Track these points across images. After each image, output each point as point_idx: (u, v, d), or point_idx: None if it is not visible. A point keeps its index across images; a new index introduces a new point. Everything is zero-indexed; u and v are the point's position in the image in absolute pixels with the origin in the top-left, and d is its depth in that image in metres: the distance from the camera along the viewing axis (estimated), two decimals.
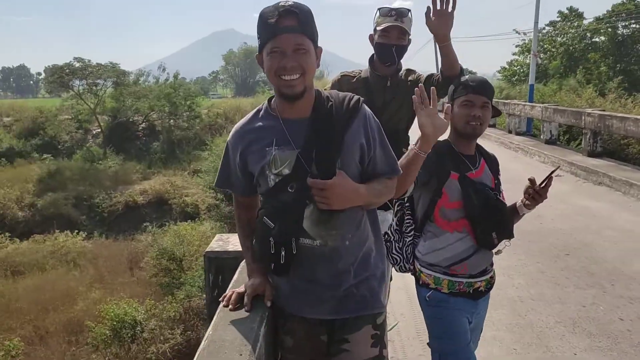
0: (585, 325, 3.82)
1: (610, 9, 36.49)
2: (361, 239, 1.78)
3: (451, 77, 2.61)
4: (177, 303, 10.86)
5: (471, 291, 2.19)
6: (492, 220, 2.12)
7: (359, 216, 1.77)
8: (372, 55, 2.92)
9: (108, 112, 28.94)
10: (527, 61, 28.11)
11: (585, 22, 36.82)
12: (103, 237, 17.92)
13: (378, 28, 2.76)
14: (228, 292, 1.83)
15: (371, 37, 2.84)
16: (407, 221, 2.28)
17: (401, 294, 4.20)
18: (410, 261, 2.29)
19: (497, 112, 2.34)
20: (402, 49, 2.79)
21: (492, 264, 2.28)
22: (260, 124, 1.75)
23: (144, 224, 17.74)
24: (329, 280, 1.73)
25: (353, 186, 1.66)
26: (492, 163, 2.31)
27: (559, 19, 37.61)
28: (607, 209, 7.18)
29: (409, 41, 2.82)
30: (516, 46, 37.28)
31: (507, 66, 38.27)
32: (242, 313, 1.70)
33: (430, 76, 2.85)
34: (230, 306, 1.74)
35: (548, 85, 25.51)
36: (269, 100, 1.79)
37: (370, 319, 1.79)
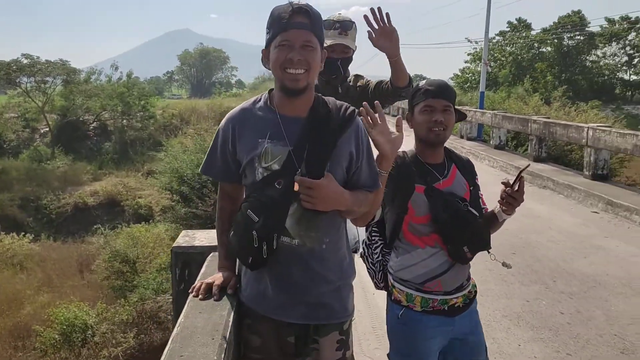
0: (529, 319, 4.06)
1: (556, 21, 38.19)
2: (337, 244, 1.80)
3: (401, 88, 2.66)
4: (130, 306, 10.65)
5: (446, 308, 2.08)
6: (462, 234, 2.00)
7: (338, 221, 1.80)
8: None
9: (57, 111, 28.04)
10: (479, 69, 29.06)
11: (533, 32, 38.46)
12: (51, 239, 17.33)
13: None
14: (197, 283, 1.86)
15: None
16: (374, 237, 2.19)
17: (357, 290, 4.33)
18: (381, 278, 2.20)
19: (462, 116, 2.22)
20: (347, 61, 2.84)
21: (469, 278, 2.16)
22: (257, 114, 1.76)
23: (95, 226, 17.28)
24: (303, 282, 1.73)
25: (339, 189, 1.69)
26: (466, 168, 2.17)
27: (509, 29, 39.08)
28: (551, 211, 7.58)
29: (354, 51, 2.85)
30: (468, 54, 38.53)
31: (459, 73, 39.41)
32: (212, 303, 1.74)
33: (379, 83, 2.85)
34: (200, 296, 1.77)
35: (498, 93, 26.50)
36: (269, 93, 1.80)
37: (338, 326, 1.82)
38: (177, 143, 19.22)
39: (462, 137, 16.10)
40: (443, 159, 2.12)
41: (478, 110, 16.07)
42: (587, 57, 38.34)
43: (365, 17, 2.36)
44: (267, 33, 1.71)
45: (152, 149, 24.97)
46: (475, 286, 2.22)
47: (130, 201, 19.80)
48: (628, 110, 30.10)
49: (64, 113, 27.74)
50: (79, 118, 28.03)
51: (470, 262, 2.12)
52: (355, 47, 2.84)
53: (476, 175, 2.20)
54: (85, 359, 9.63)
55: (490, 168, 11.61)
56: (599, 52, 38.76)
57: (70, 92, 27.96)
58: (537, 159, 11.11)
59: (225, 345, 1.52)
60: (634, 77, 38.80)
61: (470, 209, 2.04)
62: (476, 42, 35.72)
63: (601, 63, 38.36)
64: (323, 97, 1.82)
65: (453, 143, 15.13)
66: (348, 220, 1.93)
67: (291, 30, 1.64)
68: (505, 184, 2.03)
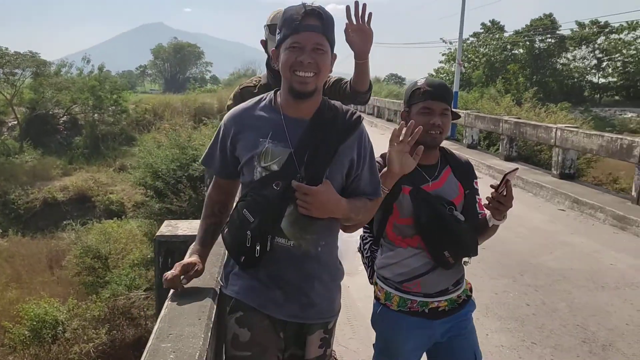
0: (497, 310, 4.21)
1: (528, 23, 38.94)
2: (332, 247, 1.82)
3: (360, 92, 2.62)
4: (102, 302, 10.53)
5: (426, 310, 2.04)
6: (443, 238, 1.96)
7: (335, 225, 1.80)
8: (268, 57, 2.72)
9: (26, 104, 27.37)
10: (453, 69, 29.48)
11: (505, 34, 39.15)
12: (19, 235, 16.96)
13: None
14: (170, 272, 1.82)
15: (264, 44, 2.74)
16: (365, 233, 2.22)
17: None
18: (370, 274, 2.21)
19: (456, 116, 2.16)
20: None
21: (458, 283, 2.09)
22: (261, 113, 1.75)
23: (65, 222, 16.97)
24: (297, 282, 1.74)
25: (336, 197, 1.69)
26: (462, 170, 2.11)
27: (482, 30, 39.70)
28: (520, 208, 7.78)
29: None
30: (443, 54, 39.03)
31: (434, 73, 39.91)
32: (196, 289, 1.79)
33: (338, 81, 2.77)
34: (169, 275, 1.74)
35: (471, 93, 26.93)
36: (275, 93, 1.80)
37: (323, 325, 1.84)
38: (151, 138, 18.97)
39: None
40: (437, 161, 2.07)
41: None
42: (558, 60, 39.25)
43: (347, 8, 2.27)
44: (278, 33, 1.71)
45: (124, 144, 24.63)
46: (469, 291, 2.15)
47: (101, 197, 19.49)
48: (596, 112, 30.94)
49: (33, 106, 27.10)
50: (48, 111, 27.42)
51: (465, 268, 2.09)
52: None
53: (475, 178, 2.14)
54: (55, 355, 9.49)
55: None
56: (569, 55, 39.73)
57: (39, 85, 27.32)
58: (508, 158, 11.39)
59: (211, 325, 1.60)
60: (602, 80, 39.89)
61: (455, 213, 1.99)
62: (450, 43, 36.26)
63: (571, 66, 39.32)
64: (330, 100, 1.81)
65: None
66: None
67: (303, 32, 1.64)
68: (494, 187, 1.93)
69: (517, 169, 2.00)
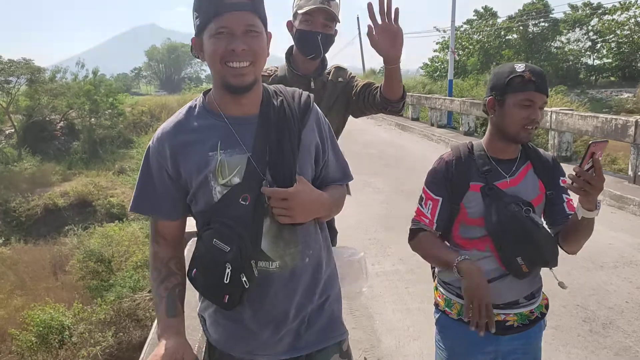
0: None
1: (521, 8, 38.82)
2: (315, 253, 1.52)
3: (392, 101, 2.27)
4: (107, 305, 10.60)
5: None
6: (517, 242, 1.70)
7: (312, 226, 1.52)
8: (290, 48, 2.42)
9: (22, 111, 27.34)
10: (447, 57, 29.44)
11: (499, 20, 39.05)
12: (22, 242, 17.01)
13: (299, 12, 2.24)
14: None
15: (290, 25, 2.33)
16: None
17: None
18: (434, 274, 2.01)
19: None
20: (328, 39, 2.27)
21: (532, 297, 1.83)
22: (197, 123, 1.42)
23: (67, 227, 17.02)
24: (289, 308, 1.45)
25: (316, 194, 1.44)
26: (545, 168, 1.84)
27: (475, 17, 39.62)
28: None
29: (337, 31, 2.32)
30: (437, 43, 38.95)
31: (429, 62, 39.84)
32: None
33: (367, 86, 2.41)
34: None
35: (466, 81, 26.89)
36: (205, 94, 1.49)
37: (336, 348, 1.55)
38: (149, 140, 18.99)
39: (432, 124, 16.35)
40: (516, 155, 1.83)
41: (447, 98, 16.33)
42: (552, 44, 39.14)
43: (369, 5, 1.90)
44: (195, 17, 1.38)
45: (122, 147, 24.64)
46: (544, 308, 1.90)
47: (102, 200, 19.52)
48: (592, 94, 30.89)
49: (30, 113, 27.07)
50: (45, 118, 27.39)
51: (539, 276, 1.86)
52: (339, 26, 2.31)
53: (562, 175, 1.85)
54: None
55: None
56: (563, 38, 39.61)
57: (35, 92, 27.25)
58: None
59: None
60: (597, 62, 39.82)
61: (533, 215, 1.72)
62: (444, 31, 36.16)
63: (566, 49, 39.20)
64: (269, 86, 1.52)
65: (424, 131, 15.38)
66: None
67: (229, 13, 1.32)
68: (575, 170, 1.55)
69: (607, 141, 1.61)
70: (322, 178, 1.54)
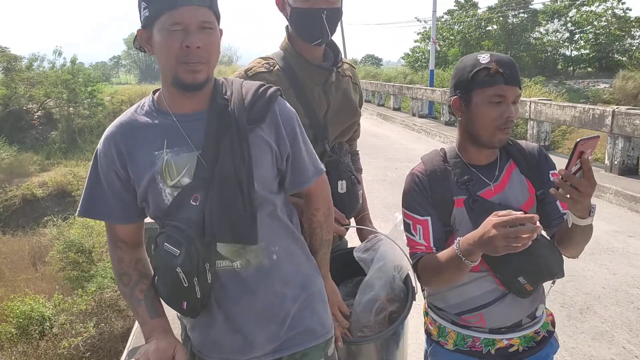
0: None
1: None
2: (290, 249, 1.44)
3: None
4: (89, 296, 10.53)
5: (492, 352, 1.56)
6: (516, 260, 1.41)
7: (279, 221, 1.42)
8: (289, 27, 1.84)
9: None
10: (428, 48, 29.56)
11: (479, 11, 39.30)
12: None
13: None
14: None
15: (280, 2, 1.81)
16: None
17: None
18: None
19: None
20: (335, 14, 1.75)
21: (535, 315, 1.59)
22: (143, 121, 1.35)
23: (45, 218, 16.80)
24: (261, 311, 1.38)
25: (332, 293, 1.58)
26: (530, 163, 1.58)
27: (456, 8, 39.78)
28: None
29: (342, 4, 1.80)
30: (418, 34, 39.10)
31: (410, 53, 39.95)
32: None
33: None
34: None
35: (447, 71, 27.08)
36: (154, 93, 1.42)
37: (319, 350, 1.46)
38: None
39: (414, 114, 16.46)
40: (495, 157, 1.57)
41: (428, 88, 16.44)
42: (531, 35, 39.53)
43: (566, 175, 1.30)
44: (143, 8, 1.28)
45: (101, 136, 24.28)
46: (551, 325, 1.66)
47: (81, 191, 18.93)
48: (570, 85, 31.34)
49: (6, 102, 26.52)
50: (22, 107, 26.87)
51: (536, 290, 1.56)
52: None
53: (552, 169, 1.59)
54: (44, 351, 9.49)
55: (441, 144, 11.98)
56: (542, 29, 40.04)
57: (11, 81, 26.72)
58: None
59: None
60: (575, 53, 40.35)
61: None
62: (425, 22, 36.24)
63: (544, 40, 39.65)
64: (224, 78, 1.44)
65: (405, 121, 15.47)
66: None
67: (183, 7, 1.24)
68: (562, 173, 1.31)
69: (598, 137, 1.32)
70: (294, 175, 1.43)
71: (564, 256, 1.52)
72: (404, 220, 1.62)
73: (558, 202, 1.54)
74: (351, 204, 1.89)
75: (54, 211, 17.99)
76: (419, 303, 1.76)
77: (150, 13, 1.27)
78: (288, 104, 1.45)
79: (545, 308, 1.65)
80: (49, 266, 12.88)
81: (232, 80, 1.44)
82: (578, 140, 1.27)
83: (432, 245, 1.54)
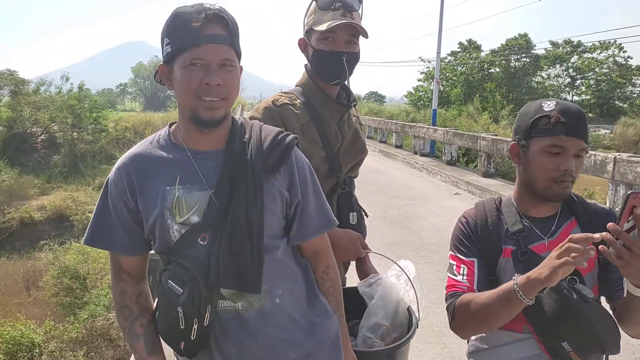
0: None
1: (504, 43, 39.85)
2: (294, 292, 1.41)
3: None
4: (80, 323, 10.36)
5: None
6: (560, 323, 1.32)
7: (284, 263, 1.41)
8: (309, 66, 1.97)
9: (3, 122, 26.99)
10: (431, 87, 29.96)
11: (482, 54, 39.99)
12: None
13: (317, 28, 1.84)
14: None
15: (303, 43, 1.94)
16: None
17: None
18: None
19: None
20: (354, 58, 1.88)
21: None
22: (158, 154, 1.34)
23: (42, 242, 16.69)
24: (261, 355, 1.35)
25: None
26: (595, 222, 1.45)
27: (459, 49, 40.49)
28: None
29: (359, 49, 1.93)
30: (421, 73, 39.66)
31: (413, 91, 40.43)
32: None
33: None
34: None
35: (449, 111, 27.39)
36: (170, 126, 1.42)
37: None
38: None
39: (415, 152, 16.53)
40: (556, 211, 1.49)
41: (431, 127, 16.56)
42: (533, 78, 40.15)
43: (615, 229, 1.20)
44: (166, 44, 1.30)
45: (104, 162, 24.41)
46: None
47: (79, 216, 19.23)
48: None
49: (11, 125, 26.72)
50: (26, 130, 27.06)
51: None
52: (366, 37, 1.89)
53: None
54: None
55: (442, 183, 12.00)
56: (543, 74, 40.69)
57: (17, 104, 26.98)
58: (486, 174, 11.58)
59: None
60: (576, 98, 40.86)
61: (580, 286, 1.33)
62: (429, 62, 36.85)
63: (546, 84, 40.23)
64: (242, 118, 1.45)
65: (407, 158, 15.53)
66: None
67: (206, 45, 1.25)
68: (612, 229, 1.18)
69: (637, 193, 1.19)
70: (301, 225, 1.42)
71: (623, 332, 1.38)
72: (449, 262, 1.54)
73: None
74: (361, 234, 1.99)
75: (51, 235, 17.89)
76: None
77: (172, 49, 1.28)
78: (302, 154, 1.45)
79: None
80: (42, 291, 12.73)
81: (251, 123, 1.44)
82: (629, 192, 1.17)
83: (475, 287, 1.45)
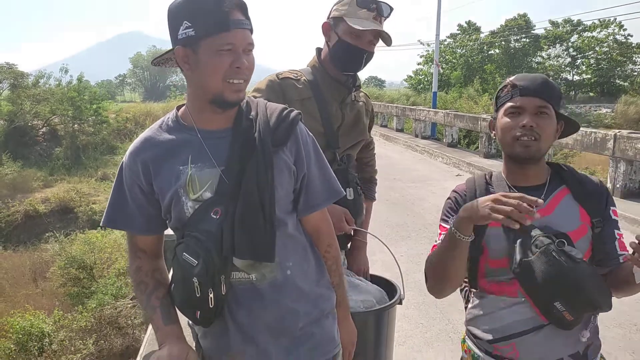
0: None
1: (503, 24, 39.56)
2: (303, 267, 1.48)
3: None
4: (89, 312, 10.48)
5: None
6: (551, 283, 1.35)
7: (294, 238, 1.48)
8: (319, 50, 2.15)
9: (4, 116, 26.99)
10: (431, 70, 29.82)
11: (481, 35, 39.73)
12: (0, 248, 16.76)
13: (349, 21, 1.95)
14: None
15: (327, 28, 2.06)
16: (463, 283, 1.64)
17: None
18: None
19: (573, 128, 1.57)
20: (370, 57, 2.07)
21: (582, 356, 1.46)
22: (168, 137, 1.40)
23: (47, 234, 16.81)
24: (273, 324, 1.42)
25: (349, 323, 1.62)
26: (588, 191, 1.50)
27: (459, 31, 40.22)
28: None
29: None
30: (421, 56, 39.44)
31: (412, 75, 40.24)
32: None
33: (370, 145, 2.38)
34: None
35: (450, 93, 27.29)
36: (178, 109, 1.47)
37: None
38: None
39: (416, 135, 16.55)
40: (545, 180, 1.53)
41: (431, 109, 16.56)
42: (533, 59, 39.94)
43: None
44: (186, 27, 1.30)
45: (105, 153, 24.47)
46: None
47: (84, 207, 19.33)
48: (572, 109, 31.52)
49: (12, 118, 26.71)
50: (27, 123, 27.05)
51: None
52: (389, 45, 2.07)
53: (612, 205, 1.52)
54: None
55: (444, 165, 12.04)
56: (543, 54, 40.46)
57: (17, 97, 26.94)
58: (487, 155, 11.62)
59: None
60: (577, 78, 40.68)
61: (567, 248, 1.36)
62: (428, 45, 36.63)
63: (546, 64, 40.02)
64: (248, 97, 1.50)
65: (408, 142, 15.55)
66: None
67: (236, 30, 1.30)
68: None
69: None
70: (307, 197, 1.48)
71: None
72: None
73: (617, 244, 1.48)
74: (356, 211, 2.10)
75: (56, 227, 18.02)
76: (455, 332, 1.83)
77: (196, 33, 1.29)
78: (306, 128, 1.52)
79: (602, 356, 1.52)
80: (49, 282, 12.86)
81: (256, 101, 1.50)
82: None
83: None
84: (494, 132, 1.60)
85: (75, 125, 27.55)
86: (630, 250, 1.30)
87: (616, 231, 1.49)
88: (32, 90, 27.81)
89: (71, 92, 27.73)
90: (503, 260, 1.45)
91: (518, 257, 1.38)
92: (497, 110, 1.56)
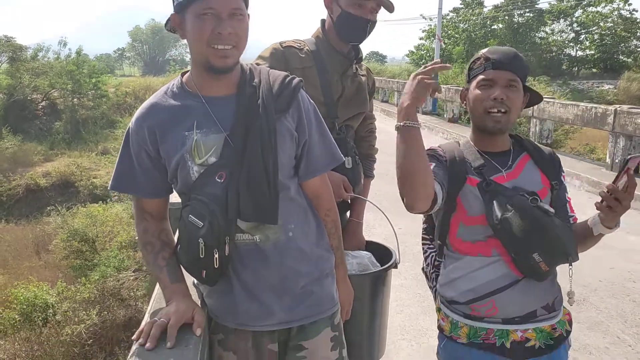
0: None
1: None
2: (304, 229, 1.54)
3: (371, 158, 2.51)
4: (92, 284, 10.62)
5: (507, 345, 1.53)
6: (530, 236, 1.45)
7: (296, 202, 1.53)
8: (323, 21, 2.19)
9: (3, 90, 26.86)
10: (433, 46, 29.56)
11: (485, 10, 39.20)
12: (3, 222, 16.89)
13: None
14: (143, 324, 1.39)
15: (329, 0, 2.10)
16: (424, 245, 1.78)
17: None
18: (435, 297, 1.74)
19: (537, 98, 1.67)
20: (373, 26, 2.10)
21: (551, 308, 1.58)
22: (174, 103, 1.43)
23: (49, 208, 16.91)
24: (276, 282, 1.48)
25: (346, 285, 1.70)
26: (545, 160, 1.66)
27: (462, 6, 39.67)
28: None
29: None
30: (423, 31, 39.01)
31: (414, 50, 39.85)
32: (165, 351, 1.27)
33: (369, 119, 2.41)
34: (148, 344, 1.27)
35: (451, 69, 27.05)
36: (182, 75, 1.50)
37: (327, 321, 1.57)
38: None
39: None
40: (509, 147, 1.65)
41: None
42: (537, 34, 39.46)
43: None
44: None
45: (105, 127, 24.42)
46: (568, 324, 1.64)
47: (84, 181, 19.40)
48: (574, 85, 31.32)
49: (11, 92, 26.58)
50: (26, 97, 26.93)
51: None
52: (391, 12, 2.10)
53: (562, 171, 1.70)
54: (47, 338, 9.59)
55: (444, 140, 11.97)
56: (547, 29, 39.96)
57: (16, 70, 26.75)
58: None
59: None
60: (580, 53, 40.28)
61: (542, 204, 1.50)
62: (430, 19, 36.22)
63: (550, 39, 39.57)
64: (250, 64, 1.54)
65: None
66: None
67: None
68: (609, 187, 1.42)
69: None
70: (308, 162, 1.53)
71: None
72: None
73: (567, 206, 1.66)
74: (354, 179, 2.19)
75: (57, 201, 18.10)
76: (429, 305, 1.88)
77: None
78: (307, 95, 1.56)
79: (563, 307, 1.64)
80: (52, 255, 12.99)
81: (259, 68, 1.53)
82: (629, 156, 1.39)
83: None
84: (464, 102, 1.67)
85: (75, 99, 27.43)
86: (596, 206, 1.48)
87: (566, 194, 1.68)
88: (30, 63, 27.62)
89: (70, 66, 27.52)
90: (480, 217, 1.55)
91: (498, 214, 1.49)
92: (469, 82, 1.63)
